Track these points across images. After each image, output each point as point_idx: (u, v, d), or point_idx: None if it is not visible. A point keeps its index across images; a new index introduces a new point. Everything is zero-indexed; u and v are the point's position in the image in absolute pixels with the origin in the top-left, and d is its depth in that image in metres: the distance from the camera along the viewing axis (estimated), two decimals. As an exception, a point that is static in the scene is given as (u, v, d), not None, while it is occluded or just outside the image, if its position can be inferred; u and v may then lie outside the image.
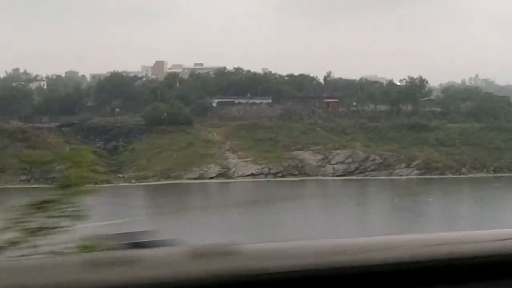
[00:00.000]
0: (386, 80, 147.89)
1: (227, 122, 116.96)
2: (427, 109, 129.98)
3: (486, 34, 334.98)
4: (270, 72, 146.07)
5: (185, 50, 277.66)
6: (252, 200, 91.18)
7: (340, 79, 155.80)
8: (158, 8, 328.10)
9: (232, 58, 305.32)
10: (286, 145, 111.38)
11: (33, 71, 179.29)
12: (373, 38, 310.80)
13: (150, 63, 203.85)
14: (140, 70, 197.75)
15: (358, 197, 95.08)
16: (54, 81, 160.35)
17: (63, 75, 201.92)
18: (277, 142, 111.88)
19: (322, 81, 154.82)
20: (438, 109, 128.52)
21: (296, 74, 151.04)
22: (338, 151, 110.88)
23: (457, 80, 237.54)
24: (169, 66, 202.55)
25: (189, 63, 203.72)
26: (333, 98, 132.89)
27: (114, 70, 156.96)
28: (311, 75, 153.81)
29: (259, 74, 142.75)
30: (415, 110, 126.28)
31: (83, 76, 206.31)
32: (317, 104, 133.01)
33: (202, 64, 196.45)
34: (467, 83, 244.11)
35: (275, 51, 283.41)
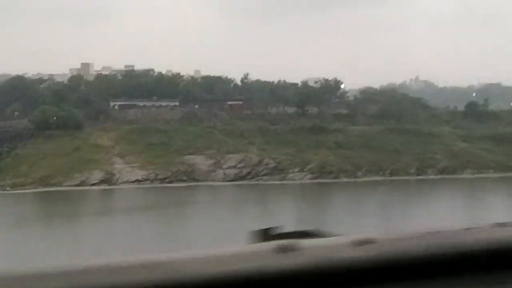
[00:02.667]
0: (302, 82, 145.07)
1: (121, 126, 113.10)
2: (336, 111, 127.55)
3: (428, 35, 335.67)
4: (179, 73, 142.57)
5: (121, 52, 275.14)
6: (126, 207, 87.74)
7: (258, 81, 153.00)
8: (94, 9, 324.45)
9: (168, 60, 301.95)
10: (179, 149, 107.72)
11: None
12: (308, 40, 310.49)
13: (78, 65, 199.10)
14: (66, 73, 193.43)
15: (239, 202, 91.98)
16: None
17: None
18: (170, 146, 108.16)
19: (239, 83, 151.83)
20: (344, 111, 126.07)
21: (212, 75, 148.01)
22: (231, 155, 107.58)
23: (398, 81, 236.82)
24: (98, 68, 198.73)
25: (121, 66, 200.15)
26: (240, 100, 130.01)
27: (23, 73, 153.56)
28: (229, 76, 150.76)
29: (167, 75, 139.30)
30: (320, 113, 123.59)
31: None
32: (225, 106, 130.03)
33: (133, 66, 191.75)
34: (407, 84, 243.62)
35: (209, 53, 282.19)
